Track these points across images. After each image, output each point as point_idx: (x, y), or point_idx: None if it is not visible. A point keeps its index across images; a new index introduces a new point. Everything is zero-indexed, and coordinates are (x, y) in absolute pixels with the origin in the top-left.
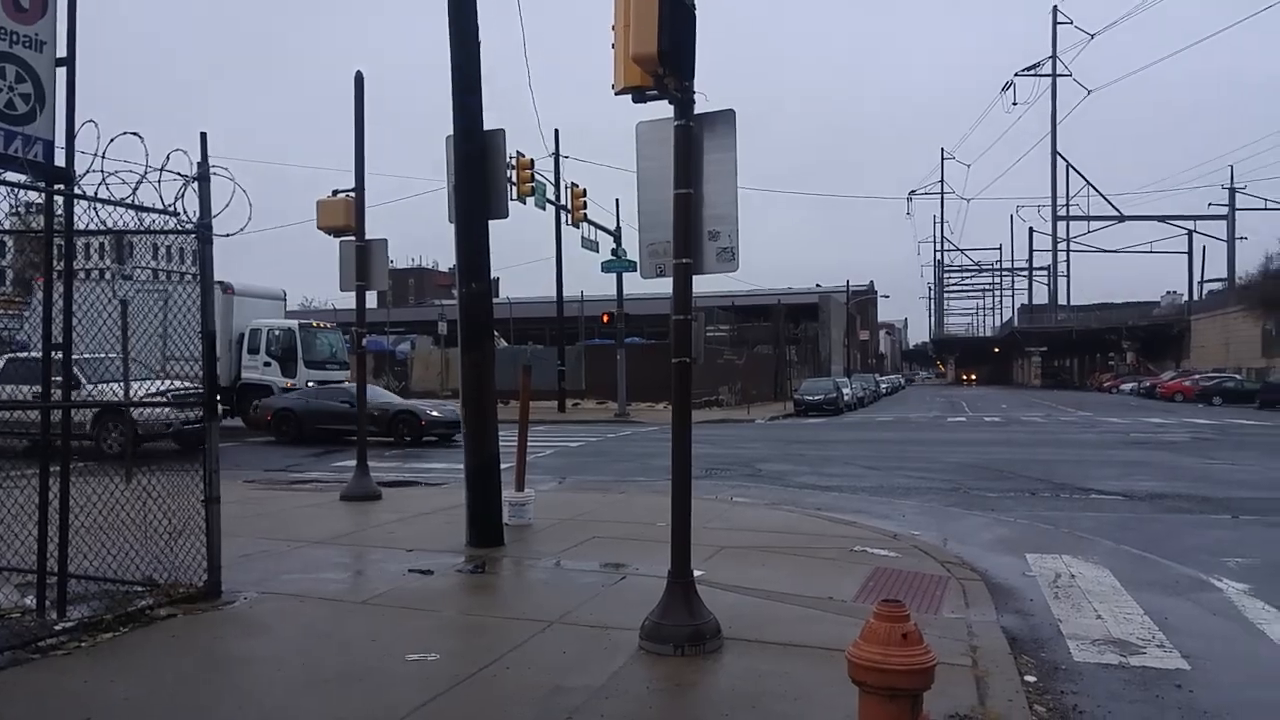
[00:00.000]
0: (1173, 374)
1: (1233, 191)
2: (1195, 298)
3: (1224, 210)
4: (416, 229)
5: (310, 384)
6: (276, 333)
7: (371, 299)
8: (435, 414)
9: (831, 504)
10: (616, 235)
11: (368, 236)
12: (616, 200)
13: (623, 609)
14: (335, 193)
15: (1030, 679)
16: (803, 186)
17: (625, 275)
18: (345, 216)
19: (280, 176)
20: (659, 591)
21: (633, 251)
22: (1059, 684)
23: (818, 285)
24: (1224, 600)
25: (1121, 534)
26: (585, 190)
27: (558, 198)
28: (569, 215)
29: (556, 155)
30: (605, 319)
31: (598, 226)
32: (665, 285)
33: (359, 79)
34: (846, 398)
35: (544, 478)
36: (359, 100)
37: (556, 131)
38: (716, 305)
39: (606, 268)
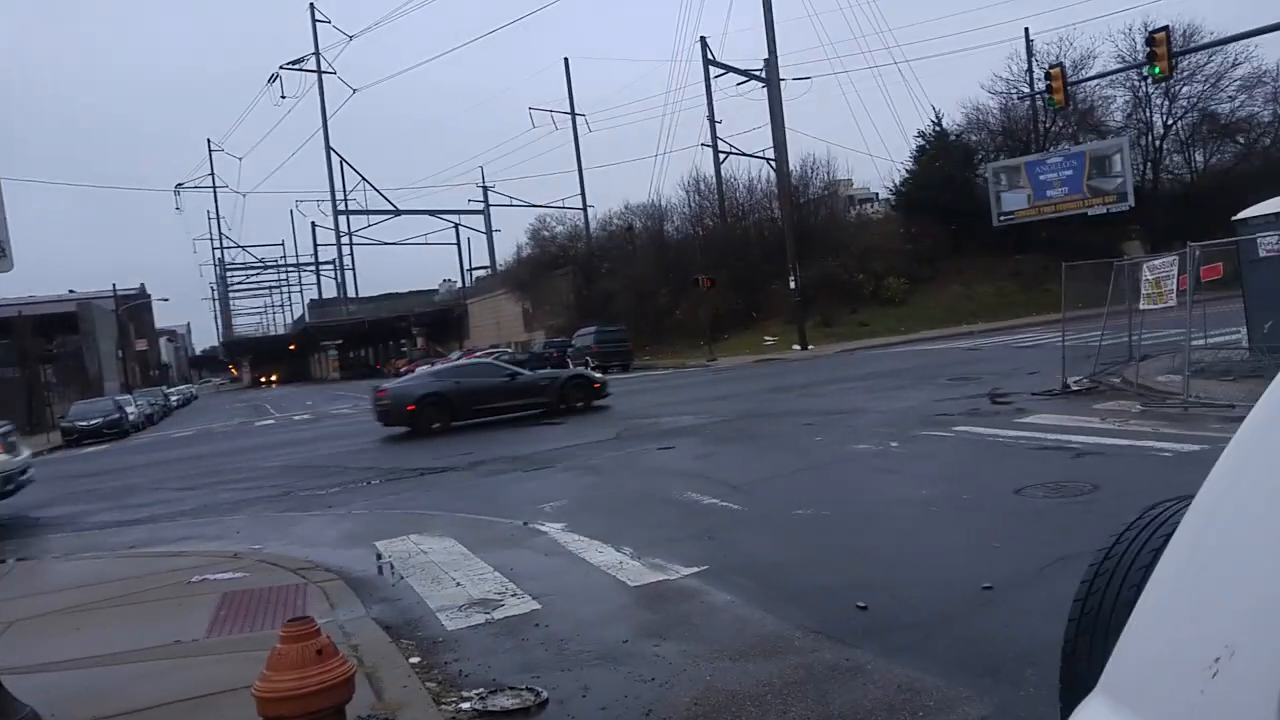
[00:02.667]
0: (459, 353)
1: (485, 189)
2: (467, 284)
3: (481, 206)
4: None
5: None
6: None
7: None
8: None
9: (150, 538)
10: None
11: None
12: None
13: None
14: None
15: (415, 660)
16: (60, 174)
17: None
18: None
19: None
20: None
21: None
22: (442, 656)
23: (72, 291)
24: (550, 541)
25: (455, 502)
26: None
27: None
28: None
29: None
30: None
31: None
32: None
33: None
34: (132, 417)
35: None
36: None
37: None
38: None
39: None
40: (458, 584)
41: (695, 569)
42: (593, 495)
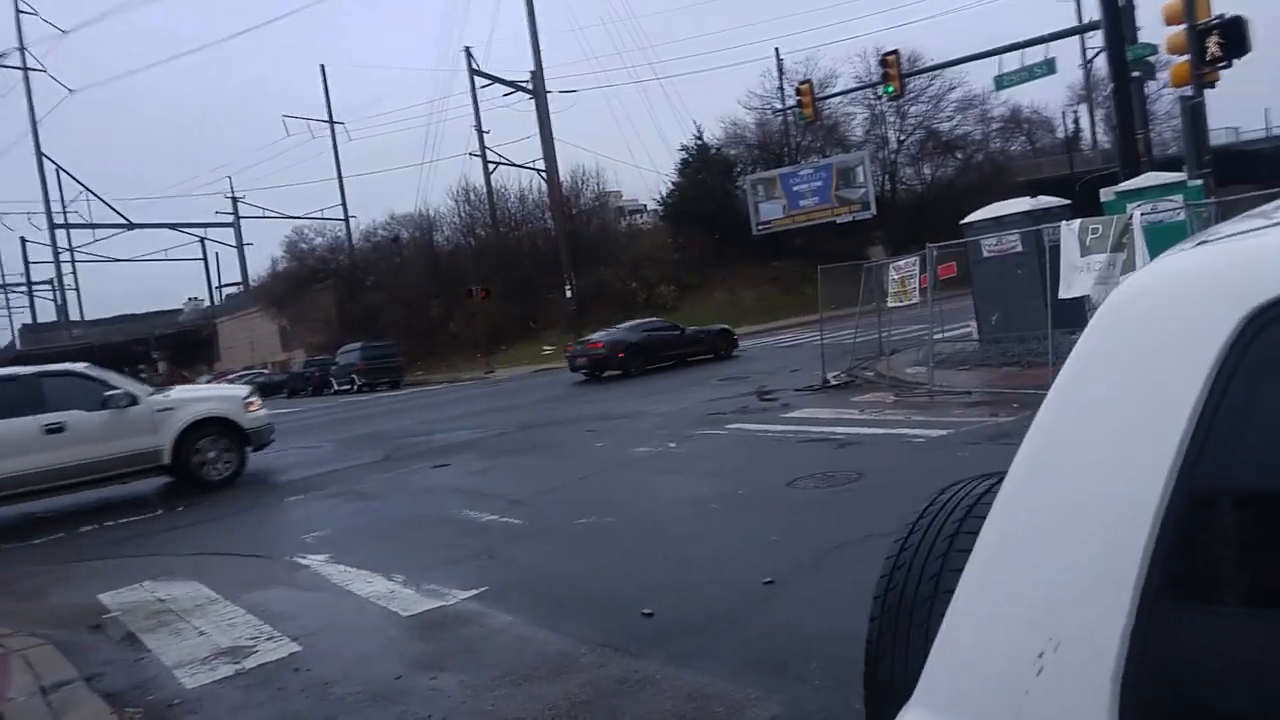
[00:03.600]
0: (208, 376)
1: (235, 200)
2: (217, 302)
3: (230, 218)
4: None
5: None
6: None
7: None
8: None
9: None
10: None
11: None
12: None
13: None
14: None
15: None
16: None
17: None
18: None
19: None
20: None
21: None
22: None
23: None
24: (312, 574)
25: (202, 539)
26: None
27: None
28: None
29: None
30: None
31: None
32: None
33: None
34: None
35: None
36: None
37: None
38: None
39: None
40: (201, 633)
41: (474, 591)
42: (359, 522)
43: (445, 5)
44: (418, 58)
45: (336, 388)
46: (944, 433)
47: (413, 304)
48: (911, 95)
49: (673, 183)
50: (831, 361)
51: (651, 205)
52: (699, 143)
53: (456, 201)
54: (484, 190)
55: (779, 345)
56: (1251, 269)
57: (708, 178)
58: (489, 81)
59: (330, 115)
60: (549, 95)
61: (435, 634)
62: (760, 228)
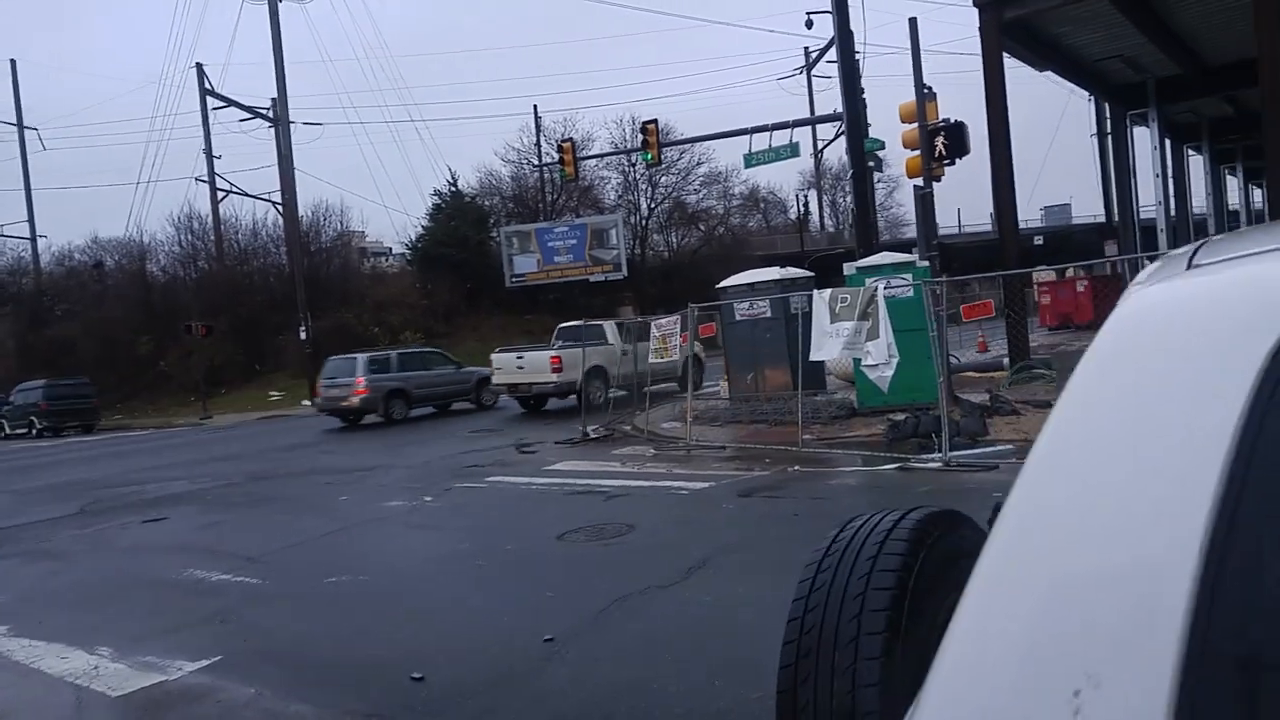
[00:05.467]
0: None
1: None
2: None
3: None
4: None
5: None
6: None
7: None
8: None
9: None
10: None
11: None
12: None
13: None
14: None
15: None
16: None
17: None
18: None
19: None
20: None
21: None
22: None
23: None
24: None
25: None
26: None
27: None
28: None
29: None
30: None
31: None
32: None
33: None
34: None
35: None
36: None
37: None
38: None
39: None
40: None
41: (205, 662)
42: (50, 586)
43: (174, 14)
44: (139, 67)
45: (8, 431)
46: (706, 485)
47: (116, 339)
48: (663, 166)
49: (424, 227)
50: (589, 414)
51: (398, 249)
52: (453, 189)
53: (177, 229)
54: (210, 219)
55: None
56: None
57: (461, 225)
58: (223, 104)
59: (19, 118)
60: (292, 125)
61: (156, 716)
62: (515, 279)
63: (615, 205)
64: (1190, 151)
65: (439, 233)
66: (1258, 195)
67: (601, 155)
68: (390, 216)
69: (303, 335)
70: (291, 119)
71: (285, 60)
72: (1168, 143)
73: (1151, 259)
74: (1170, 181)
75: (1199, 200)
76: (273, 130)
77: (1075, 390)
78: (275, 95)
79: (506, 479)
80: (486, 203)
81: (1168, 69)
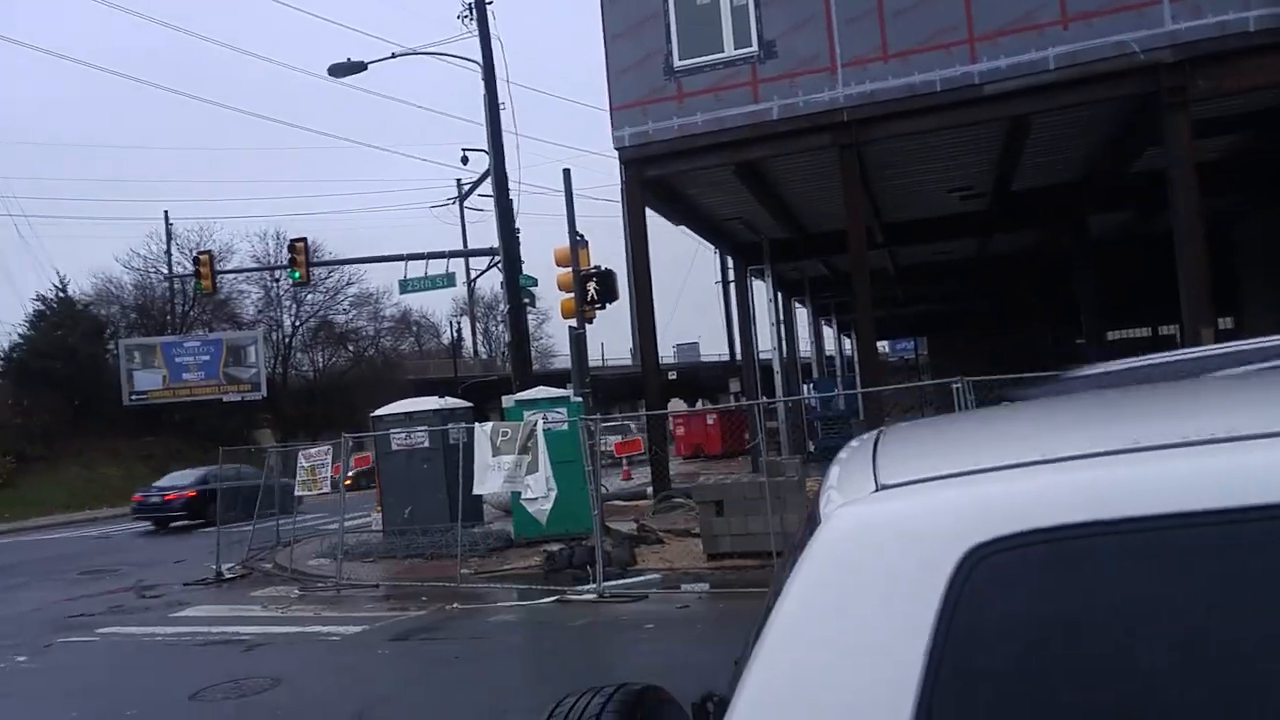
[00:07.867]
0: None
1: None
2: None
3: None
4: None
5: None
6: None
7: None
8: None
9: None
10: None
11: None
12: None
13: None
14: None
15: None
16: None
17: None
18: None
19: None
20: None
21: None
22: None
23: None
24: None
25: None
26: None
27: None
28: None
29: None
30: None
31: None
32: None
33: None
34: None
35: None
36: None
37: None
38: None
39: None
40: None
41: None
42: None
43: None
44: None
45: None
46: (359, 629)
47: None
48: (311, 285)
49: (21, 335)
50: (225, 551)
51: None
52: (61, 295)
53: None
54: None
55: (152, 532)
56: (967, 513)
57: (70, 336)
58: None
59: None
60: None
61: None
62: (135, 398)
63: (255, 320)
64: (797, 303)
65: (41, 342)
66: (848, 343)
67: (243, 270)
68: None
69: None
70: None
71: None
72: (779, 295)
73: (770, 395)
74: (783, 328)
75: (805, 345)
76: None
77: (787, 614)
78: None
79: (124, 629)
80: (104, 312)
81: (778, 232)
